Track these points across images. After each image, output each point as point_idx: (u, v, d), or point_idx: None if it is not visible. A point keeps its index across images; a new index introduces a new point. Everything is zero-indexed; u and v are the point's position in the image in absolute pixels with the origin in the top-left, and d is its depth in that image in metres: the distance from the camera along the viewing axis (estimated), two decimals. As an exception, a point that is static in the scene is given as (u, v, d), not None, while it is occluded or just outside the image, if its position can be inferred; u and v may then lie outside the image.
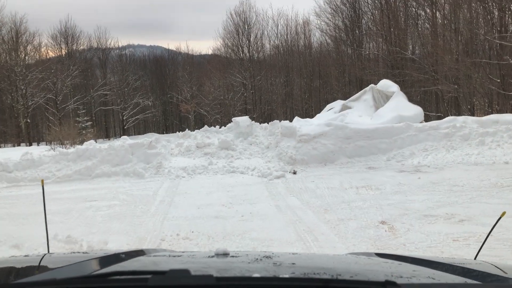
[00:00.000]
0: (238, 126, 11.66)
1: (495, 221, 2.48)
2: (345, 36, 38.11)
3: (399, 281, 1.10)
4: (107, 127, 55.04)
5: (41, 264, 1.62)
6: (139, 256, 1.70)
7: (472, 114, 27.78)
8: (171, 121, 57.32)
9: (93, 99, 48.39)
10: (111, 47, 50.40)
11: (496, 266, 1.60)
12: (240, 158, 10.92)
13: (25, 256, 1.89)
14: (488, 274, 1.40)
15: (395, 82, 26.94)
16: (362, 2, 35.48)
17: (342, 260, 1.72)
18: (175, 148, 11.47)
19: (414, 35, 32.81)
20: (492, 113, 25.76)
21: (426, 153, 10.66)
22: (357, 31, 37.04)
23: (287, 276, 1.18)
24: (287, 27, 40.95)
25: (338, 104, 26.21)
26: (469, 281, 1.30)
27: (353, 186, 8.77)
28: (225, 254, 1.59)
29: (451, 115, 29.29)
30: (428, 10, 30.18)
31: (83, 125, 42.43)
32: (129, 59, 52.89)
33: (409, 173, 9.63)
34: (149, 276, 1.03)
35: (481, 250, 2.30)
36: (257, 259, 1.53)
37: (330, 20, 38.02)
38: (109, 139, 51.97)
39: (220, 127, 12.48)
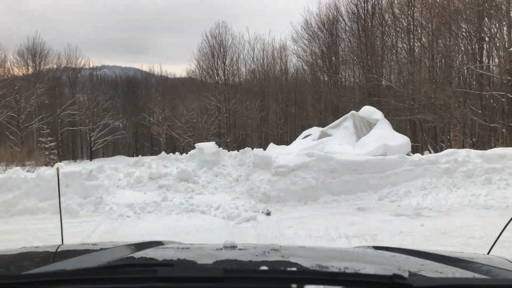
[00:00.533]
0: (202, 154, 9.55)
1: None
2: (321, 63, 36.89)
3: (406, 274, 1.11)
4: (74, 148, 51.92)
5: (54, 255, 1.61)
6: (149, 248, 1.66)
7: (450, 145, 26.52)
8: (142, 143, 54.60)
9: (59, 119, 45.41)
10: (81, 66, 47.79)
11: (509, 261, 1.53)
12: (202, 193, 8.77)
13: (38, 247, 1.86)
14: (498, 269, 1.34)
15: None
16: (340, 28, 34.43)
17: (349, 253, 1.71)
18: (123, 179, 9.23)
19: (391, 63, 31.79)
20: (473, 145, 24.53)
21: (425, 192, 8.78)
22: (333, 58, 35.87)
23: (294, 269, 1.19)
24: (263, 52, 39.50)
25: (315, 131, 24.49)
26: (477, 275, 1.25)
27: (342, 235, 6.74)
28: (233, 247, 1.56)
29: (430, 145, 28.01)
30: (405, 39, 29.22)
31: (46, 146, 39.47)
32: (100, 79, 50.31)
33: (409, 217, 7.68)
34: (158, 267, 1.02)
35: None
36: (264, 252, 1.52)
37: (307, 46, 36.79)
38: (75, 161, 48.84)
39: (181, 153, 10.33)
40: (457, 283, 1.09)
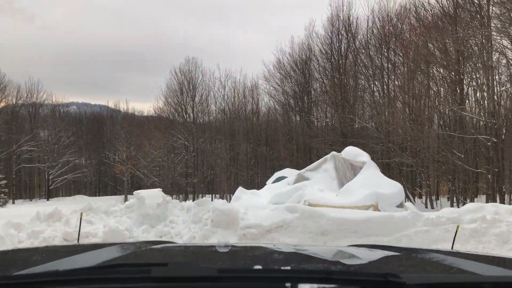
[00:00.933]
0: (143, 205, 6.70)
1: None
2: (294, 103, 35.02)
3: (400, 272, 1.05)
4: (31, 186, 47.35)
5: (47, 255, 1.56)
6: (143, 247, 1.64)
7: (430, 191, 24.51)
8: (105, 182, 50.64)
9: (15, 155, 41.30)
10: (43, 100, 44.28)
11: (472, 253, 1.64)
12: (136, 264, 5.88)
13: (31, 247, 1.85)
14: (489, 267, 1.32)
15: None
16: (313, 68, 32.82)
17: (344, 252, 1.68)
18: (26, 241, 6.23)
19: (364, 104, 30.15)
20: (455, 191, 22.53)
21: (449, 263, 6.20)
22: (306, 98, 34.06)
23: (288, 267, 1.17)
24: (234, 90, 37.35)
25: (288, 172, 21.95)
26: (467, 271, 1.26)
27: None
28: (227, 246, 1.53)
29: (407, 191, 25.82)
30: (380, 79, 27.74)
31: (-4, 184, 35.25)
32: (63, 114, 46.75)
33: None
34: (152, 267, 1.01)
35: None
36: (258, 251, 1.51)
37: (279, 86, 34.95)
38: (31, 200, 44.28)
39: (113, 206, 7.41)
40: (449, 280, 1.09)
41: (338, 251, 1.69)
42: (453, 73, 21.70)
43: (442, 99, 22.46)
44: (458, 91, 21.73)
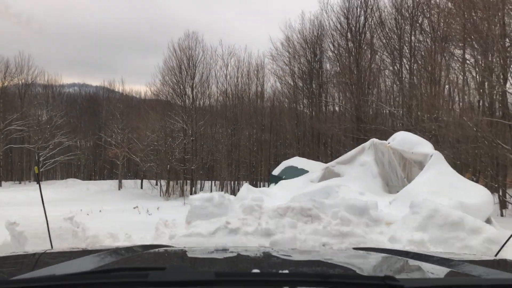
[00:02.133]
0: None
1: None
2: (302, 85, 30.69)
3: (398, 275, 1.04)
4: (21, 168, 43.23)
5: (42, 260, 1.51)
6: (140, 251, 1.57)
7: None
8: (101, 165, 46.54)
9: (2, 135, 37.13)
10: (34, 77, 39.89)
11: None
12: None
13: (26, 252, 1.72)
14: (497, 270, 1.22)
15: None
16: (326, 47, 28.40)
17: (342, 255, 1.61)
18: None
19: (380, 84, 25.89)
20: (497, 188, 18.46)
21: None
22: (316, 79, 29.70)
23: (286, 271, 1.13)
24: (238, 69, 32.90)
25: (300, 163, 17.79)
26: (470, 275, 1.16)
27: None
28: (225, 250, 1.49)
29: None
30: (406, 57, 23.42)
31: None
32: (56, 93, 42.40)
33: None
34: (149, 271, 0.96)
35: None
36: (256, 254, 1.45)
37: (287, 65, 30.57)
38: (20, 183, 40.29)
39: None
40: (448, 283, 1.03)
41: (336, 254, 1.61)
42: (500, 45, 17.38)
43: (488, 80, 18.16)
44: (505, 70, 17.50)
